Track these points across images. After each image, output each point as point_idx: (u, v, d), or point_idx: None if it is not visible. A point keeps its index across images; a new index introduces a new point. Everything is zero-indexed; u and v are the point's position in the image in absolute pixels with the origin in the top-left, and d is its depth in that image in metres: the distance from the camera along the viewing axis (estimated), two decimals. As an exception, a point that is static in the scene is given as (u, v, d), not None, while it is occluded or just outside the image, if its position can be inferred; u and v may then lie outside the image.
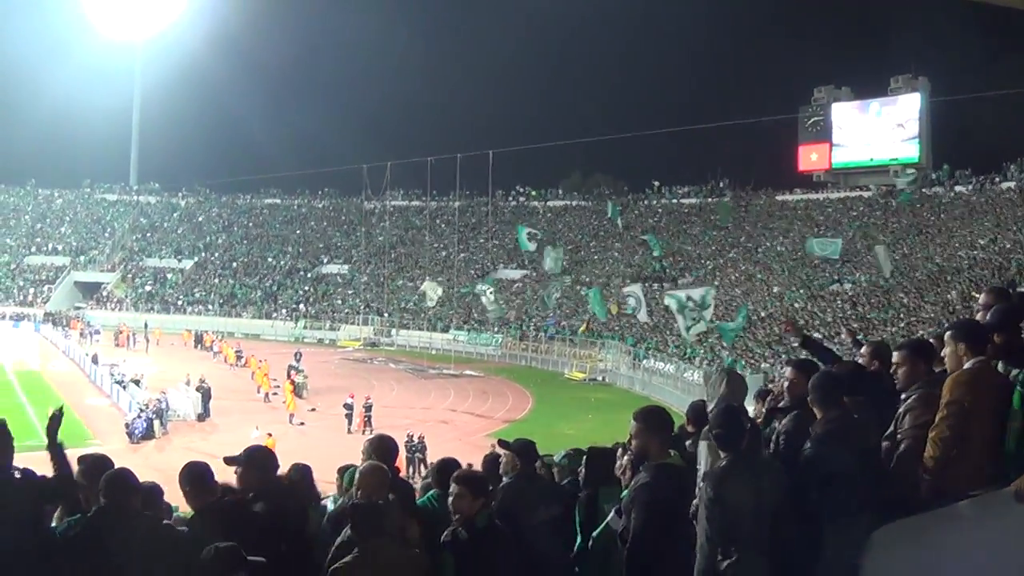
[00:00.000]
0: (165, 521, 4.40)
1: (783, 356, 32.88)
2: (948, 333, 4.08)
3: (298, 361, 38.27)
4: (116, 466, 4.13)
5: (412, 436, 24.01)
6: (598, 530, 4.68)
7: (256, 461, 4.46)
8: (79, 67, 72.86)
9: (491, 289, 45.21)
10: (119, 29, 74.86)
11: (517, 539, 4.51)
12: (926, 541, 3.57)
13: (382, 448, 4.82)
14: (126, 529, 3.59)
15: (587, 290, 45.51)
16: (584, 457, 5.78)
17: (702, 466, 4.37)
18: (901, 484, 3.80)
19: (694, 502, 4.21)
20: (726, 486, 3.78)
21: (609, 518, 4.50)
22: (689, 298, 25.98)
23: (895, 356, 4.36)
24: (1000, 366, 4.03)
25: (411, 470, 22.44)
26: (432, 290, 45.45)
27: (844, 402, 4.11)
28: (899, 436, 4.05)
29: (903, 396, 4.14)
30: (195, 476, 4.12)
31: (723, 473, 3.86)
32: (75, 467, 4.37)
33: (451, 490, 4.29)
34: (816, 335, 32.68)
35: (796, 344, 5.93)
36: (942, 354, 4.15)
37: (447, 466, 5.22)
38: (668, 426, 4.38)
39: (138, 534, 3.64)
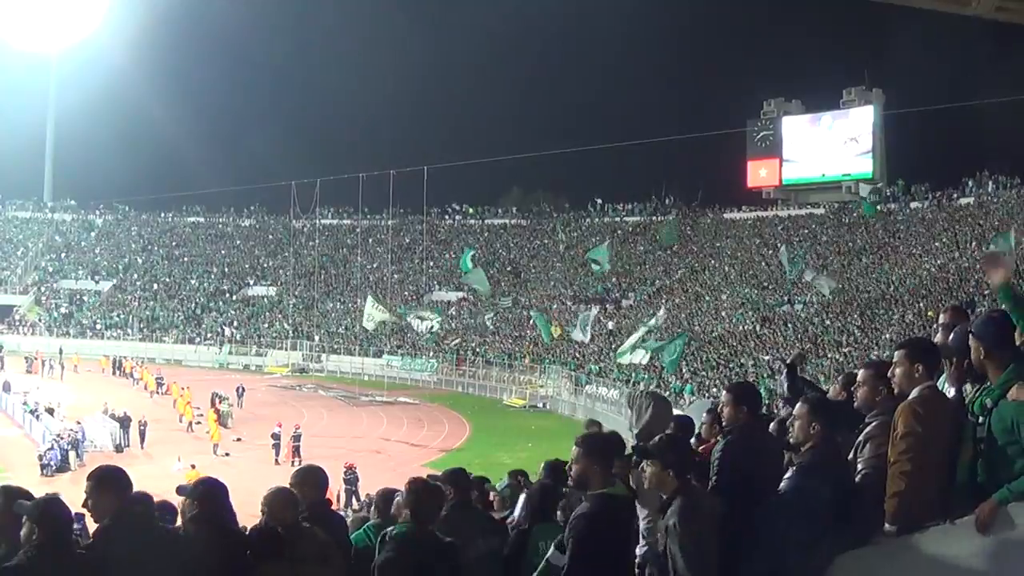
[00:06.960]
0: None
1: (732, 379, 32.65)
2: (902, 351, 3.84)
3: (240, 396, 37.25)
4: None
5: (349, 467, 23.55)
6: (539, 569, 4.45)
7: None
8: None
9: (437, 319, 44.00)
10: (33, 41, 72.32)
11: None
12: (885, 572, 3.51)
13: (311, 478, 4.60)
14: (68, 566, 3.44)
15: (533, 313, 44.52)
16: (523, 492, 5.61)
17: None
18: (862, 514, 3.71)
19: (643, 551, 4.04)
20: (698, 519, 3.65)
21: (550, 554, 4.31)
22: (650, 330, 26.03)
23: (860, 375, 4.23)
24: (947, 389, 3.98)
25: (342, 502, 21.90)
26: (375, 310, 43.68)
27: (834, 435, 3.94)
28: (859, 465, 3.94)
29: (865, 421, 4.04)
30: (111, 479, 3.76)
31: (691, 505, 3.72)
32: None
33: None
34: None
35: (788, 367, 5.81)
36: (890, 374, 3.91)
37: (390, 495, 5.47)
38: (611, 452, 4.21)
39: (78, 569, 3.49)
